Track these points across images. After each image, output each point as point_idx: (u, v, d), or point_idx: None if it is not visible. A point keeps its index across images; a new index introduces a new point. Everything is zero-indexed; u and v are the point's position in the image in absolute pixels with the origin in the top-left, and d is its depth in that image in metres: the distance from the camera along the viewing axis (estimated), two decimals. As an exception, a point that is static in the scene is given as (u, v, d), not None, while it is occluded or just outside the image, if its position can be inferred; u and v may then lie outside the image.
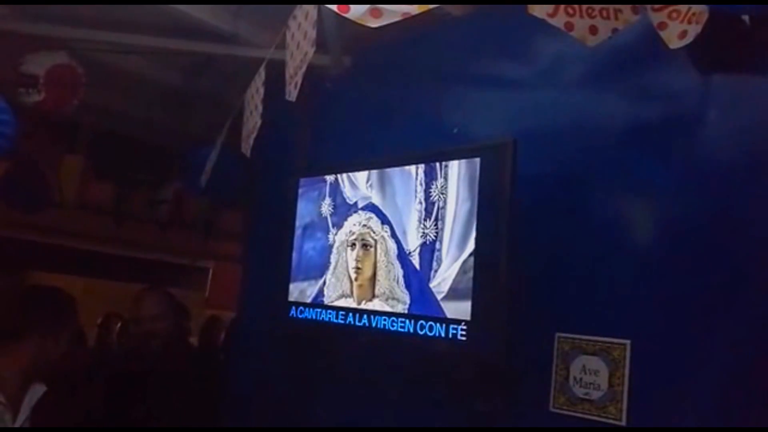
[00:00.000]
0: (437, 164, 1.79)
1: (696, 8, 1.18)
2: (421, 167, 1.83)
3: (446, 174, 1.77)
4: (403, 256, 1.83)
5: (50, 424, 1.68)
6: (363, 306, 1.91)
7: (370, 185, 1.98)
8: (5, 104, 2.14)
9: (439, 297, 1.72)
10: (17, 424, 1.55)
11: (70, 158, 3.56)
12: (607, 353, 1.49)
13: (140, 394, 2.06)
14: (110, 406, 2.06)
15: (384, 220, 1.91)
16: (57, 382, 1.67)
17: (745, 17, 1.28)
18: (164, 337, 2.19)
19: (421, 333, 1.73)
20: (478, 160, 1.70)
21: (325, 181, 2.14)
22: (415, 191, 1.84)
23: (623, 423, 1.43)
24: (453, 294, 1.68)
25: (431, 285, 1.74)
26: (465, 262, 1.67)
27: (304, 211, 2.20)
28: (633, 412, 1.43)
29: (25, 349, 1.59)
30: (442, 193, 1.77)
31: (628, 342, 1.46)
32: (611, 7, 1.26)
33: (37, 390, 1.61)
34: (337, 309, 1.99)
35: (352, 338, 1.93)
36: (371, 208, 1.96)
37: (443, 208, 1.75)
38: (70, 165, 3.56)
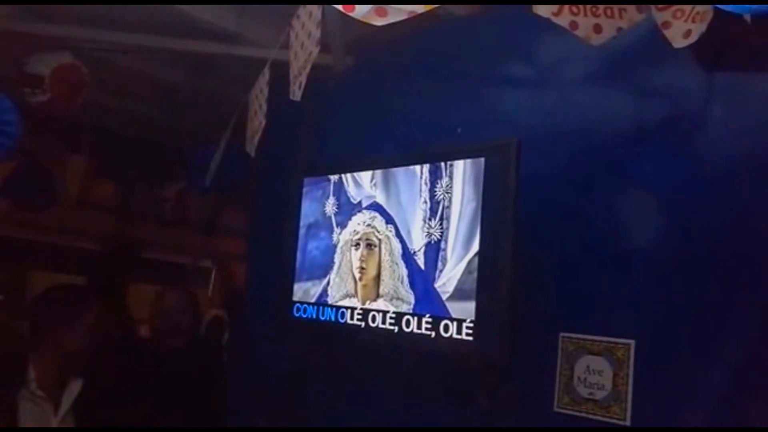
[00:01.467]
0: (442, 163, 1.79)
1: (700, 7, 1.18)
2: (426, 166, 1.83)
3: (451, 173, 1.76)
4: (407, 255, 1.83)
5: (90, 417, 1.78)
6: (367, 306, 1.91)
7: (375, 184, 1.98)
8: (10, 104, 2.15)
9: (444, 297, 1.72)
10: (59, 417, 1.69)
11: (75, 157, 3.58)
12: (611, 353, 1.49)
13: (148, 391, 2.07)
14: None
15: (388, 219, 1.91)
16: (92, 377, 1.77)
17: (747, 16, 1.27)
18: (187, 333, 2.24)
19: (426, 333, 1.73)
20: (482, 159, 1.70)
21: (329, 180, 2.14)
22: (420, 190, 1.84)
23: (627, 423, 1.43)
24: (458, 294, 1.68)
25: (436, 285, 1.74)
26: (470, 261, 1.67)
27: (308, 211, 2.20)
28: (637, 412, 1.43)
29: (44, 343, 1.70)
30: (448, 192, 1.76)
31: (632, 342, 1.46)
32: (616, 6, 1.26)
33: (75, 384, 1.73)
34: (341, 309, 1.99)
35: (356, 338, 1.93)
36: (375, 207, 1.96)
37: (448, 207, 1.75)
38: (74, 164, 3.57)
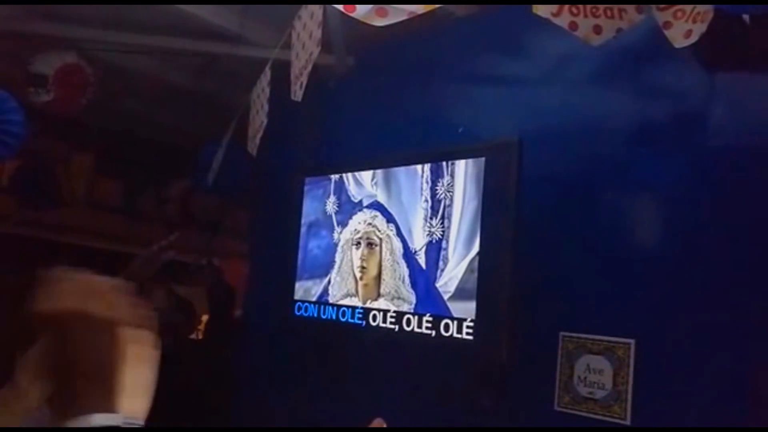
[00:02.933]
0: (444, 162, 1.79)
1: (701, 7, 1.18)
2: (428, 165, 1.84)
3: (453, 172, 1.77)
4: (408, 255, 1.84)
5: None
6: (368, 305, 1.92)
7: (375, 183, 1.98)
8: (16, 104, 2.16)
9: (445, 297, 1.72)
10: None
11: (80, 157, 3.60)
12: (612, 352, 1.49)
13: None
14: None
15: (389, 218, 1.92)
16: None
17: (746, 16, 1.27)
18: (175, 332, 2.21)
19: (426, 332, 1.73)
20: (483, 159, 1.70)
21: (329, 179, 2.14)
22: (421, 189, 1.84)
23: (628, 422, 1.43)
24: (460, 294, 1.69)
25: (438, 284, 1.75)
26: (472, 261, 1.67)
27: (309, 210, 2.21)
28: (637, 412, 1.43)
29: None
30: (449, 191, 1.77)
31: (632, 341, 1.46)
32: (615, 6, 1.26)
33: None
34: (342, 307, 1.99)
35: (357, 337, 1.94)
36: (376, 206, 1.97)
37: (450, 206, 1.76)
38: (79, 163, 3.60)
